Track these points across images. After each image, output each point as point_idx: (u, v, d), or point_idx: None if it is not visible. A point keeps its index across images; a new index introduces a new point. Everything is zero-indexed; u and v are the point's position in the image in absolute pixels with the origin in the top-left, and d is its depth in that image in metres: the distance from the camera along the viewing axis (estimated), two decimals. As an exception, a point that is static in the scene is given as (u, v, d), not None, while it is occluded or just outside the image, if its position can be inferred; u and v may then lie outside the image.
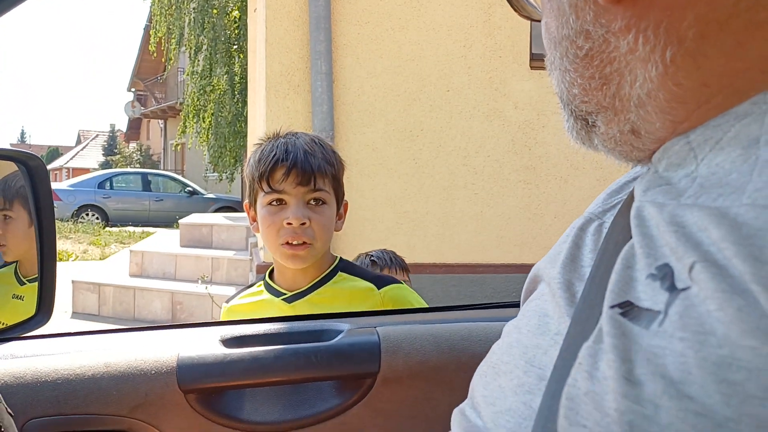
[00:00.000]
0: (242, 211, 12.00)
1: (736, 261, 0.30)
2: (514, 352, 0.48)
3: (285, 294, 1.31)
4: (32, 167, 1.00)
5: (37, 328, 0.98)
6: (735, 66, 0.37)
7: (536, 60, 4.36)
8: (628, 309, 0.35)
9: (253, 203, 1.32)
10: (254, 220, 1.35)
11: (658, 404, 0.31)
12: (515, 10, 0.58)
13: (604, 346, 0.35)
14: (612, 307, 0.36)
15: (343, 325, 1.02)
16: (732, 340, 0.28)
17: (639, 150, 0.45)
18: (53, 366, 0.90)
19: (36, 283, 0.99)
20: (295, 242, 1.24)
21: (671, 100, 0.40)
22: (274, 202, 1.26)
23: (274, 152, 1.26)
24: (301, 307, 1.29)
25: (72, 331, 1.03)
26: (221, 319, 1.40)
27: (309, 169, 1.25)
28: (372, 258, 2.01)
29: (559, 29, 0.45)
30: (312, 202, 1.27)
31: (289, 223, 1.23)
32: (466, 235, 4.34)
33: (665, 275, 0.34)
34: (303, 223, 1.24)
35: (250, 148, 7.88)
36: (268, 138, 1.34)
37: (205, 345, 0.95)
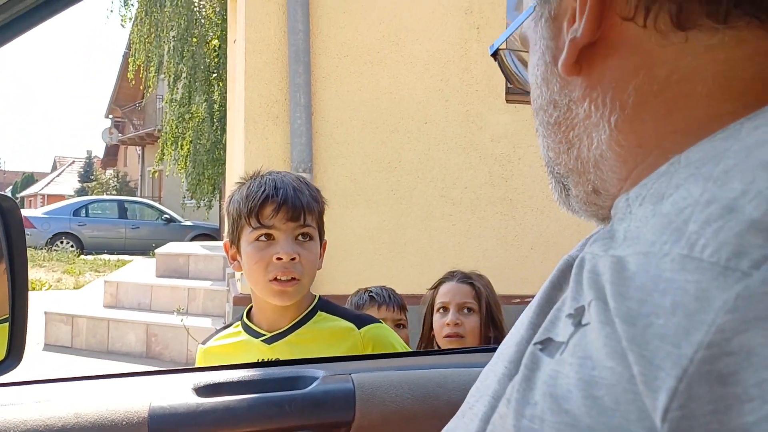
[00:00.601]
0: (220, 239, 11.93)
1: (610, 298, 0.35)
2: (484, 395, 0.50)
3: (264, 335, 1.30)
4: (5, 208, 0.99)
5: (6, 373, 0.96)
6: (664, 129, 0.43)
7: (512, 94, 4.41)
8: (546, 345, 0.41)
9: (236, 241, 1.30)
10: (234, 258, 1.33)
11: (543, 419, 0.36)
12: (510, 82, 0.63)
13: (519, 376, 0.41)
14: (535, 344, 0.42)
15: (318, 371, 1.01)
16: (600, 362, 0.34)
17: (602, 208, 0.50)
18: (22, 417, 0.88)
19: (6, 324, 0.98)
20: (284, 278, 1.23)
21: (616, 160, 0.46)
22: (263, 238, 1.25)
23: (263, 188, 1.26)
24: (281, 349, 1.28)
25: (42, 379, 1.02)
26: (197, 362, 1.38)
27: (299, 205, 1.25)
28: (371, 294, 2.00)
29: (537, 100, 0.51)
30: (300, 237, 1.27)
31: (279, 258, 1.23)
32: (444, 266, 4.33)
33: (578, 314, 0.39)
34: (293, 258, 1.23)
35: (229, 176, 7.83)
36: (250, 176, 1.34)
37: (177, 393, 0.94)
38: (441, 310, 1.78)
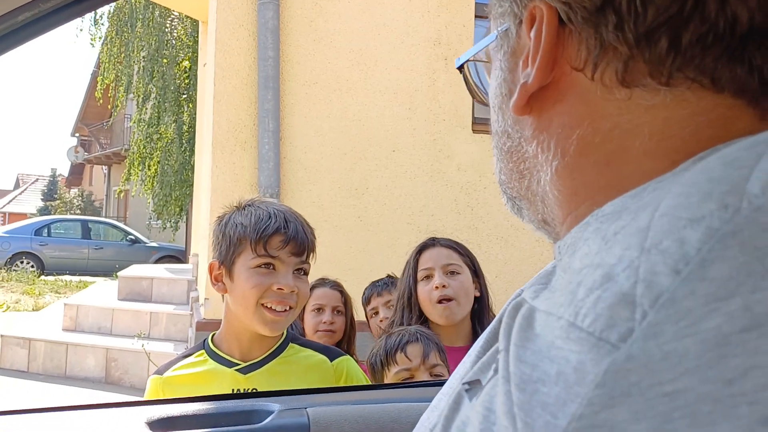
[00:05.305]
0: (185, 261, 11.74)
1: (510, 356, 0.35)
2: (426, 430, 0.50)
3: (238, 364, 1.30)
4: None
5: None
6: (599, 182, 0.44)
7: (478, 124, 4.50)
8: (473, 386, 0.41)
9: (228, 263, 1.30)
10: (218, 280, 1.32)
11: None
12: (471, 95, 0.63)
13: (442, 416, 0.41)
14: (464, 383, 0.42)
15: (274, 405, 1.01)
16: (499, 417, 0.34)
17: (556, 235, 0.50)
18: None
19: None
20: (279, 308, 1.27)
21: (555, 202, 0.47)
22: (263, 266, 1.28)
23: (273, 219, 1.30)
24: (257, 379, 1.29)
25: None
26: (150, 392, 1.34)
27: (305, 242, 1.31)
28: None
29: (493, 124, 0.52)
30: (295, 272, 1.31)
31: (279, 289, 1.27)
32: (409, 293, 4.37)
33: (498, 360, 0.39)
34: (292, 291, 1.28)
35: (196, 198, 7.69)
36: (245, 203, 1.36)
37: (130, 428, 0.93)
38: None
